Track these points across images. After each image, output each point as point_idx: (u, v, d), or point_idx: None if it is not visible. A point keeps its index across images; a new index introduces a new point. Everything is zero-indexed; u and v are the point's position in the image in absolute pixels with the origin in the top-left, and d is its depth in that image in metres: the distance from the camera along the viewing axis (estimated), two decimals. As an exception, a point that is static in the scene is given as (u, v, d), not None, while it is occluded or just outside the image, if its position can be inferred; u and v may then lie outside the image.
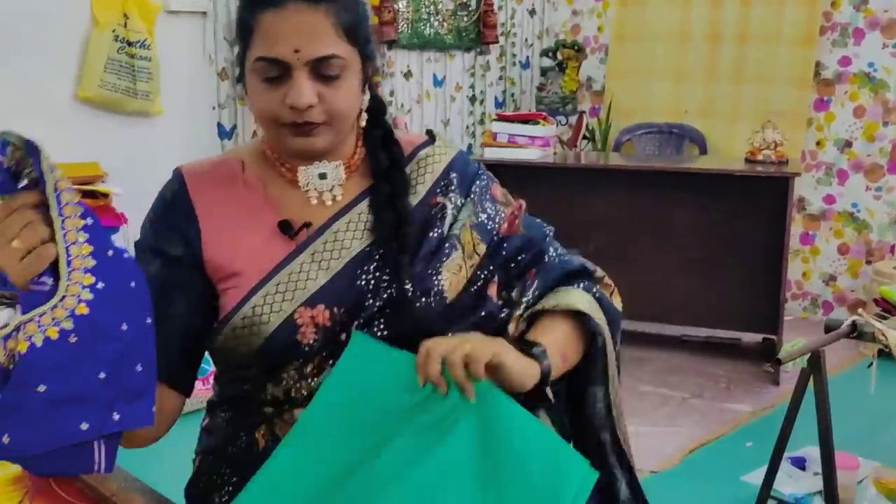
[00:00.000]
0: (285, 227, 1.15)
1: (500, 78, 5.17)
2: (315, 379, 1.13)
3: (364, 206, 1.20)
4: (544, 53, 5.14)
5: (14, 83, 3.10)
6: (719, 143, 4.60)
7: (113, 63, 3.32)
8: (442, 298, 1.17)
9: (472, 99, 5.00)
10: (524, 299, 1.22)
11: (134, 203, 3.20)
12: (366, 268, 1.16)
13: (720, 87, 4.63)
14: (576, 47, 4.97)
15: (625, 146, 4.59)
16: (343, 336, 1.13)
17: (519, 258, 1.25)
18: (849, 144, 4.36)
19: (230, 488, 1.16)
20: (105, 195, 3.10)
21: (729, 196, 3.66)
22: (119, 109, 3.39)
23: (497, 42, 4.94)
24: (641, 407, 3.23)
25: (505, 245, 1.24)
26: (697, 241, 3.75)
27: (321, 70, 1.09)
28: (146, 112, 3.47)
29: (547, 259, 1.26)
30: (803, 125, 4.39)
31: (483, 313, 1.20)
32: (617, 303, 1.28)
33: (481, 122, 5.05)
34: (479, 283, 1.21)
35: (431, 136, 1.31)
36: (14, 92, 3.10)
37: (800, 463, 2.67)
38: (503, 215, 1.26)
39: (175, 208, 1.17)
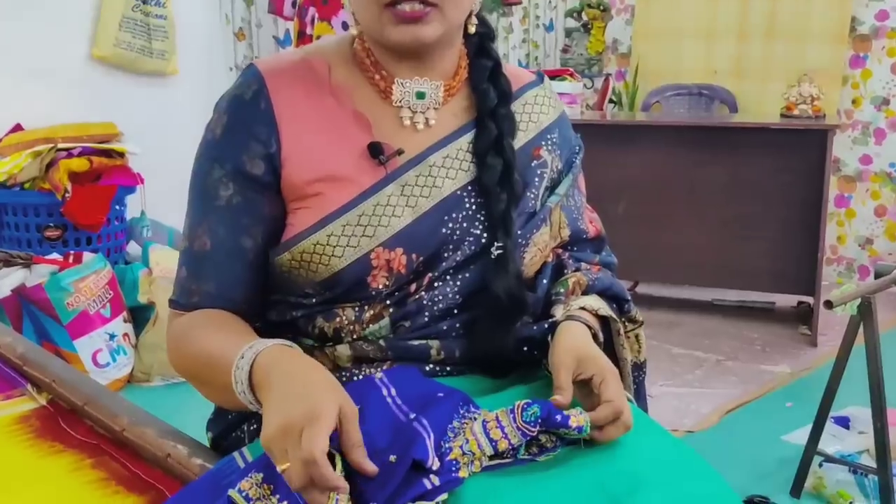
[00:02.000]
0: (375, 151, 1.01)
1: (524, 41, 5.05)
2: (370, 326, 1.02)
3: (464, 142, 1.06)
4: (569, 14, 5.01)
5: (29, 42, 3.04)
6: (750, 103, 4.46)
7: (128, 21, 3.25)
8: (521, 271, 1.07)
9: (495, 62, 4.88)
10: (587, 278, 1.15)
11: (150, 163, 3.15)
12: (453, 215, 1.03)
13: (751, 46, 4.48)
14: (601, 7, 4.83)
15: (653, 109, 4.46)
16: (412, 287, 1.02)
17: (587, 259, 1.20)
18: (886, 102, 4.20)
19: (255, 424, 1.06)
20: (121, 155, 3.04)
21: (763, 153, 3.53)
22: (135, 69, 3.33)
23: (520, 3, 4.81)
24: (674, 369, 3.13)
25: (585, 244, 1.20)
26: (731, 200, 3.61)
27: None
28: (162, 72, 3.40)
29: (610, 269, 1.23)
30: (838, 83, 4.24)
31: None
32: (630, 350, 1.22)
33: (504, 86, 4.93)
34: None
35: (540, 76, 1.18)
36: (29, 51, 3.04)
37: (844, 423, 2.55)
38: (584, 210, 1.21)
39: (254, 113, 1.01)
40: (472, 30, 1.08)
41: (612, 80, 4.86)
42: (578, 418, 0.91)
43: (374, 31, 1.01)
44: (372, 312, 1.01)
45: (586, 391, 0.96)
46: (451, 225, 1.03)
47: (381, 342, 1.02)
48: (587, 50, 4.89)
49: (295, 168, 1.00)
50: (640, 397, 1.24)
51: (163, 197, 3.23)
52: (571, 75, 3.71)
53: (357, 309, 1.02)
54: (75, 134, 2.97)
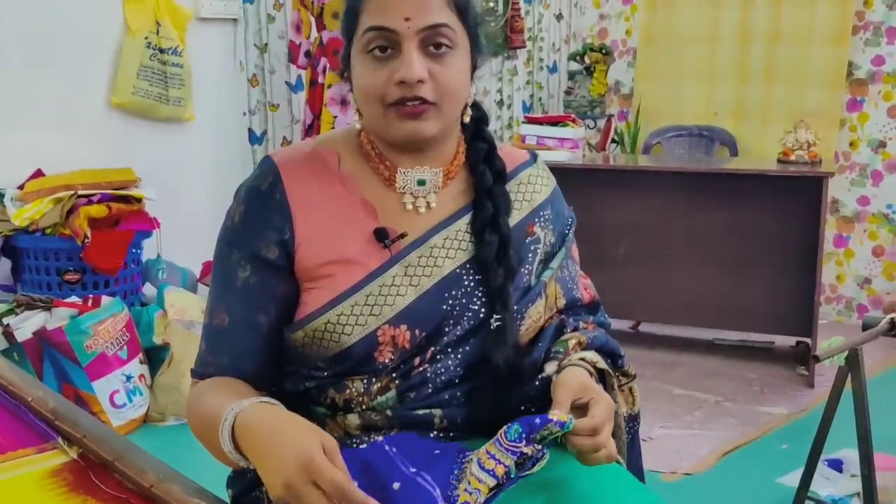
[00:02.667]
0: (381, 236, 1.11)
1: (528, 82, 5.17)
2: (378, 397, 1.10)
3: (462, 223, 1.16)
4: (572, 57, 5.13)
5: (49, 90, 3.15)
6: (750, 145, 4.56)
7: (145, 70, 3.37)
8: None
9: (500, 103, 5.00)
10: (586, 336, 1.23)
11: (167, 208, 3.25)
12: (453, 292, 1.13)
13: (751, 89, 4.59)
14: (603, 51, 4.95)
15: (654, 149, 4.56)
16: (417, 360, 1.11)
17: (583, 319, 1.28)
18: (883, 145, 4.30)
19: None
20: (138, 200, 3.14)
21: (761, 197, 3.63)
22: (152, 115, 3.44)
23: (524, 47, 4.94)
24: (674, 410, 3.20)
25: (580, 309, 1.28)
26: (729, 242, 3.71)
27: (432, 40, 1.07)
28: (178, 118, 3.51)
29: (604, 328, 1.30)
30: (836, 126, 4.34)
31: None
32: (624, 402, 1.28)
33: (509, 126, 5.05)
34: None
35: (533, 156, 1.29)
36: (49, 98, 3.15)
37: (837, 465, 2.62)
38: (578, 278, 1.28)
39: (269, 203, 1.11)
40: (467, 119, 1.18)
41: (614, 121, 4.98)
42: (559, 414, 0.99)
43: (378, 128, 1.12)
44: (379, 385, 1.10)
45: (582, 417, 1.03)
46: (451, 301, 1.12)
47: (388, 412, 1.11)
48: (590, 92, 5.00)
49: (307, 252, 1.11)
50: (634, 445, 1.31)
51: (178, 239, 3.34)
52: (573, 121, 3.82)
53: (365, 381, 1.10)
54: (95, 180, 3.08)
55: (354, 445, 1.10)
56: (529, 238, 1.21)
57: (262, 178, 1.13)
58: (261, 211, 1.12)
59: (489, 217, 1.15)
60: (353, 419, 1.11)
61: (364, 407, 1.11)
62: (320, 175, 1.14)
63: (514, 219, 1.19)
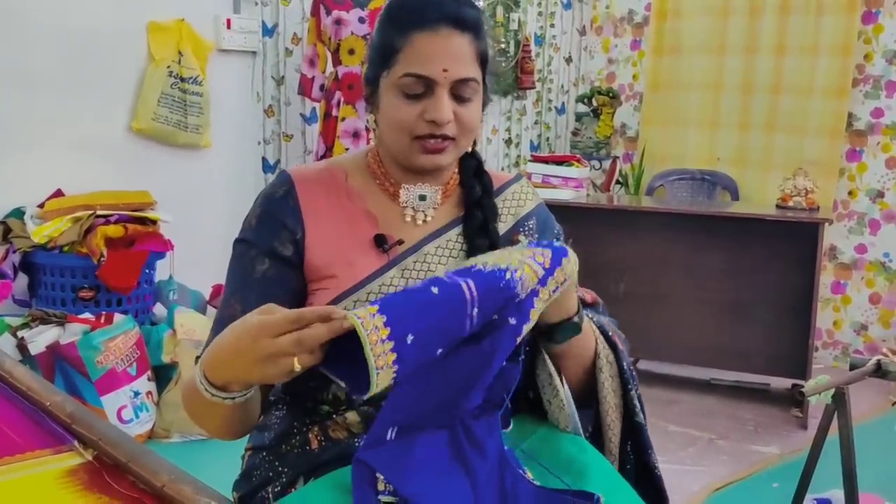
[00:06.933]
0: (380, 241, 1.24)
1: (536, 122, 5.29)
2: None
3: (454, 233, 1.29)
4: (580, 100, 5.25)
5: (73, 114, 3.27)
6: (751, 190, 4.65)
7: (166, 97, 3.48)
8: None
9: (508, 142, 5.12)
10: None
11: (181, 230, 3.35)
12: None
13: (753, 136, 4.69)
14: (611, 94, 5.07)
15: (657, 192, 4.66)
16: None
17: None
18: (881, 195, 4.39)
19: (279, 486, 1.22)
20: (154, 222, 3.23)
21: (759, 241, 3.71)
22: (170, 141, 3.54)
23: (534, 87, 5.07)
24: (668, 446, 3.25)
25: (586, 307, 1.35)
26: (728, 285, 3.79)
27: (460, 90, 1.21)
28: (195, 145, 3.62)
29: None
30: (835, 175, 4.42)
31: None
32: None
33: (516, 164, 5.16)
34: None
35: (518, 175, 1.42)
36: (73, 123, 3.27)
37: (825, 505, 2.67)
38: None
39: (284, 208, 1.24)
40: (469, 149, 1.31)
41: (619, 163, 5.08)
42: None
43: (400, 155, 1.25)
44: None
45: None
46: None
47: (383, 403, 1.19)
48: (596, 133, 5.11)
49: (315, 253, 1.23)
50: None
51: (190, 262, 3.43)
52: (578, 161, 3.92)
53: None
54: (113, 201, 3.18)
55: (357, 443, 1.18)
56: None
57: (278, 187, 1.27)
58: (276, 214, 1.25)
59: (479, 224, 1.29)
60: (353, 417, 1.20)
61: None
62: (329, 188, 1.28)
63: (501, 230, 1.32)
